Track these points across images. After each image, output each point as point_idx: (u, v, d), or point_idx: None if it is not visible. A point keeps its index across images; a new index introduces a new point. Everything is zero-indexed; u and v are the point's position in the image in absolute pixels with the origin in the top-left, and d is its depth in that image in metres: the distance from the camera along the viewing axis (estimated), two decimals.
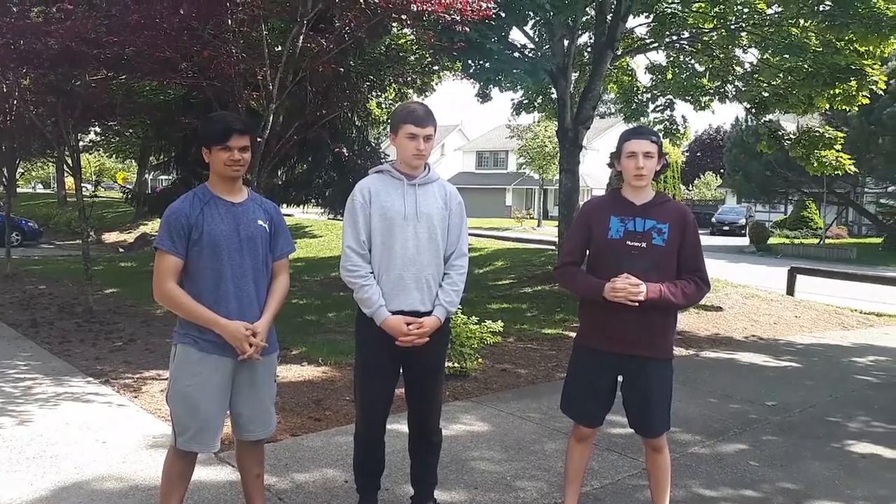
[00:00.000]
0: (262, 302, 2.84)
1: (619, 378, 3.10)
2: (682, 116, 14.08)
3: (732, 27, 10.98)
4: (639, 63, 14.54)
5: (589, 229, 3.06)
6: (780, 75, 11.55)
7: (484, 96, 12.76)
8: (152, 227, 20.85)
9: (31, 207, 28.96)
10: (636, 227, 2.97)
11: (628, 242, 2.95)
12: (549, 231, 27.98)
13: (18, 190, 39.09)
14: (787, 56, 10.77)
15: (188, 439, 2.75)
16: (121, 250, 18.70)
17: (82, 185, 8.84)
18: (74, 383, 5.42)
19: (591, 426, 3.14)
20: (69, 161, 8.76)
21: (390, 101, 19.38)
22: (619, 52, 11.93)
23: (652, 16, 11.34)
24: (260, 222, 2.83)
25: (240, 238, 2.76)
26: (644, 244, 2.94)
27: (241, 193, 2.86)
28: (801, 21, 10.16)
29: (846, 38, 9.73)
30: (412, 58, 12.08)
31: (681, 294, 2.93)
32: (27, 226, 19.61)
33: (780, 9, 10.54)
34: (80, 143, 12.55)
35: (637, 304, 2.84)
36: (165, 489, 2.86)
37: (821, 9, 9.48)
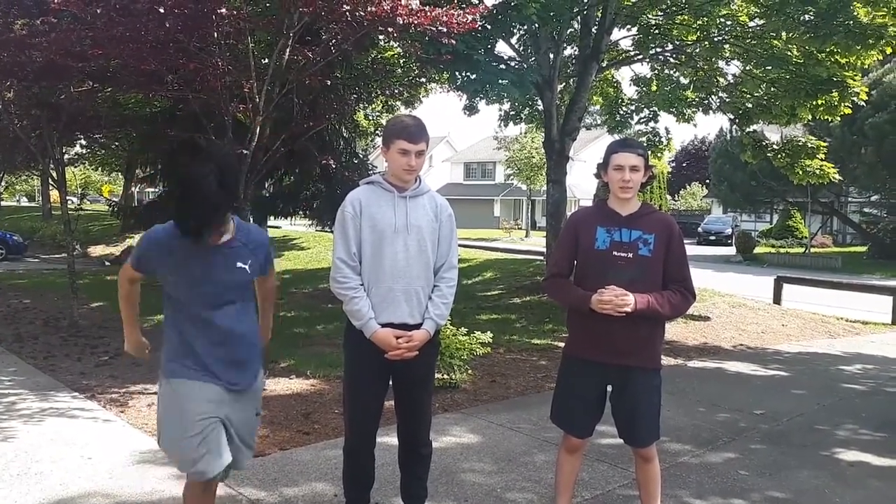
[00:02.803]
0: (248, 341, 2.69)
1: (609, 388, 3.10)
2: (666, 129, 14.19)
3: (716, 39, 11.12)
4: (624, 75, 14.72)
5: (576, 240, 3.08)
6: (763, 86, 11.71)
7: (471, 109, 12.82)
8: (139, 240, 20.67)
9: (15, 221, 28.63)
10: (622, 237, 2.99)
11: (615, 253, 2.98)
12: (538, 242, 28.01)
13: (2, 203, 38.80)
14: (769, 67, 10.93)
15: (194, 463, 2.53)
16: (107, 263, 18.53)
17: (67, 197, 8.77)
18: (60, 398, 5.36)
19: (580, 437, 3.14)
20: (54, 174, 8.69)
21: (377, 113, 19.44)
22: (604, 65, 12.03)
23: (636, 28, 11.49)
24: (239, 264, 2.63)
25: (214, 284, 2.59)
26: (630, 254, 2.97)
27: (226, 232, 2.62)
28: (784, 33, 10.29)
29: (828, 49, 9.87)
30: (399, 70, 12.12)
31: (667, 304, 2.96)
32: (11, 239, 19.37)
33: (762, 21, 10.68)
34: (66, 156, 12.48)
35: (624, 314, 2.86)
36: None
37: (804, 19, 9.60)
